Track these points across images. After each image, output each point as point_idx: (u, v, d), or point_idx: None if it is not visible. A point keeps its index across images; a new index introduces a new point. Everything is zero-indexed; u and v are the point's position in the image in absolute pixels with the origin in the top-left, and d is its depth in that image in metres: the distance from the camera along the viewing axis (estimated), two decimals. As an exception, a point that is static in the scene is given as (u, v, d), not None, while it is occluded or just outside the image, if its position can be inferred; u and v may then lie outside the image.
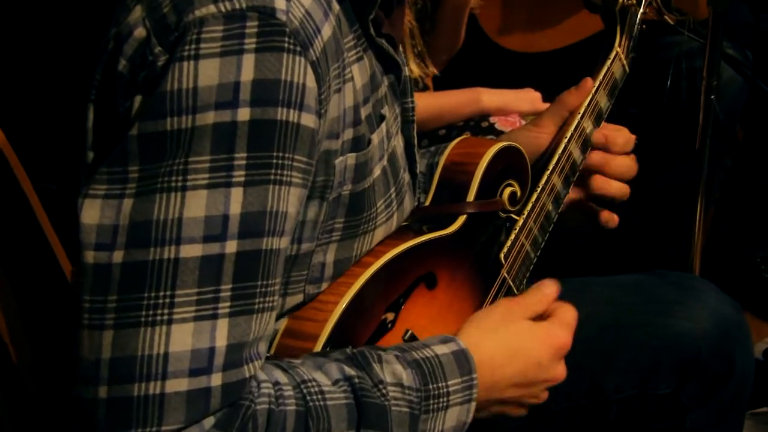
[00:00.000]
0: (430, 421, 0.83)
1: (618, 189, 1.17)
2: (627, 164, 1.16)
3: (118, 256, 0.73)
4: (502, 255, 1.05)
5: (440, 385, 0.84)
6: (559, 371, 0.93)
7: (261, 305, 0.77)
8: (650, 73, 1.78)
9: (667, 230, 1.88)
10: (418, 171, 1.04)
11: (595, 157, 1.15)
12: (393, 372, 0.82)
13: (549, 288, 0.97)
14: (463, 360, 0.86)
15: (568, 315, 0.96)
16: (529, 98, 1.62)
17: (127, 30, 0.78)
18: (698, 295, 1.18)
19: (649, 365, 1.14)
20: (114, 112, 0.78)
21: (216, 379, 0.74)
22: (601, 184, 1.15)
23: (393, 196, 0.94)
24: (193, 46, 0.73)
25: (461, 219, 1.01)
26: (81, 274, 0.75)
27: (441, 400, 0.84)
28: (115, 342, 0.73)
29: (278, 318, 0.88)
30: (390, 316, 0.91)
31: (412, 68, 1.55)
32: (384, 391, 0.80)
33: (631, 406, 1.16)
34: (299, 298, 0.88)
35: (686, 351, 1.14)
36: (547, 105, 1.58)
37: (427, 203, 1.06)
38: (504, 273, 1.05)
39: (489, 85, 1.64)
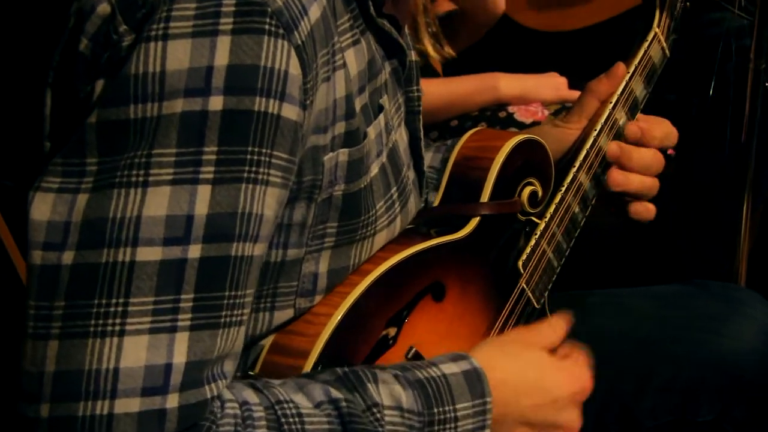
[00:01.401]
0: None
1: (640, 184, 1.07)
2: (650, 156, 1.07)
3: (67, 257, 0.69)
4: (520, 263, 1.01)
5: (447, 408, 0.78)
6: (574, 419, 0.87)
7: (228, 319, 0.72)
8: (690, 53, 1.70)
9: (709, 234, 1.84)
10: (425, 168, 1.01)
11: (611, 147, 1.07)
12: (391, 393, 0.77)
13: (557, 321, 0.91)
14: (475, 381, 0.80)
15: (585, 358, 0.90)
16: (552, 84, 1.57)
17: (90, 6, 0.74)
18: (744, 309, 1.13)
19: (688, 388, 1.08)
20: (74, 97, 0.74)
21: (172, 400, 0.69)
22: (619, 179, 1.06)
23: (395, 196, 0.90)
24: (161, 25, 0.70)
25: (474, 222, 0.97)
26: (28, 277, 0.71)
27: (448, 426, 0.78)
28: (60, 354, 0.69)
29: (266, 336, 0.84)
30: (392, 331, 0.86)
31: (428, 49, 1.51)
32: (378, 415, 0.75)
33: (668, 435, 1.11)
34: (289, 313, 0.84)
35: (731, 372, 1.08)
36: (573, 92, 1.53)
37: (436, 203, 1.01)
38: (522, 283, 1.01)
39: (509, 68, 1.60)
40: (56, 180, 0.71)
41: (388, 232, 0.90)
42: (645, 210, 1.09)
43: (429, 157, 1.09)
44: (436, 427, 0.78)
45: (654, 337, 1.12)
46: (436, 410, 0.78)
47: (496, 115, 1.54)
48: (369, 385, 0.76)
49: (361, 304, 0.84)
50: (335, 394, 0.75)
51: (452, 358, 0.82)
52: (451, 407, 0.78)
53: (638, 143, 1.08)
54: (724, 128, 1.61)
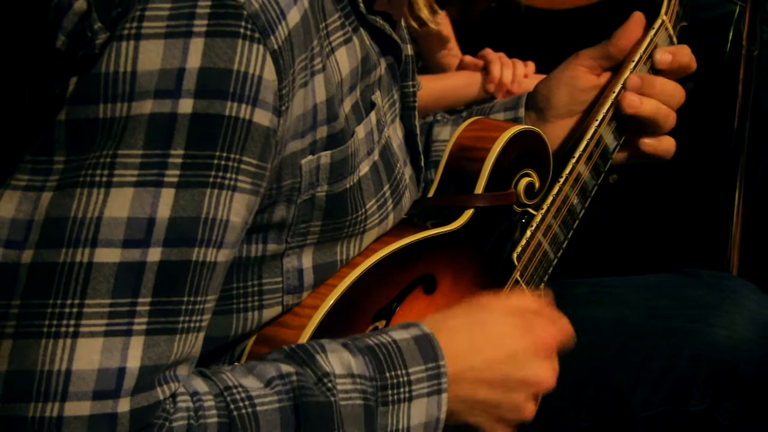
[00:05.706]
0: (391, 414, 0.75)
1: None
2: (673, 86, 1.02)
3: (27, 255, 0.67)
4: (515, 255, 0.96)
5: (399, 372, 0.75)
6: (544, 372, 0.81)
7: (185, 325, 0.69)
8: (683, 38, 1.65)
9: (701, 223, 1.79)
10: (422, 163, 0.97)
11: (632, 78, 1.02)
12: (340, 360, 0.74)
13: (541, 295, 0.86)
14: (426, 345, 0.77)
15: (557, 313, 0.84)
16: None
17: (68, 1, 0.72)
18: (737, 298, 1.10)
19: (680, 378, 1.05)
20: (50, 94, 0.72)
21: (123, 404, 0.67)
22: (634, 101, 1.00)
23: (387, 194, 0.86)
24: (135, 24, 0.67)
25: (467, 213, 0.93)
26: None
27: (402, 390, 0.75)
28: (13, 353, 0.66)
29: (254, 334, 0.82)
30: (380, 323, 0.83)
31: (426, 17, 1.47)
32: (330, 385, 0.73)
33: (661, 425, 1.07)
34: (278, 310, 0.81)
35: (723, 362, 1.04)
36: None
37: (431, 194, 0.97)
38: (516, 275, 0.96)
39: (506, 49, 1.55)
40: (24, 178, 0.69)
41: (380, 229, 0.86)
42: (659, 144, 1.04)
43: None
44: (389, 391, 0.75)
45: (645, 328, 1.09)
46: (388, 374, 0.75)
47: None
48: (318, 356, 0.74)
49: (348, 296, 0.80)
50: (286, 368, 0.73)
51: (402, 326, 0.79)
52: (403, 371, 0.75)
53: (671, 68, 1.03)
54: (716, 115, 1.57)
